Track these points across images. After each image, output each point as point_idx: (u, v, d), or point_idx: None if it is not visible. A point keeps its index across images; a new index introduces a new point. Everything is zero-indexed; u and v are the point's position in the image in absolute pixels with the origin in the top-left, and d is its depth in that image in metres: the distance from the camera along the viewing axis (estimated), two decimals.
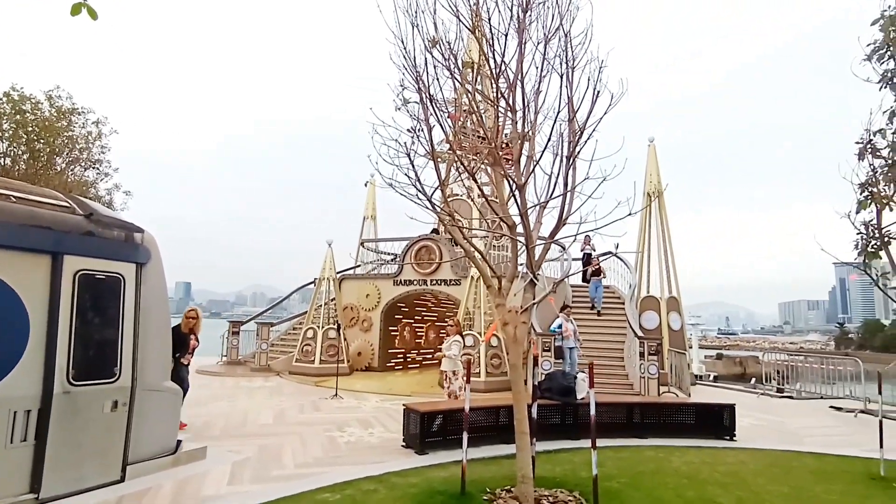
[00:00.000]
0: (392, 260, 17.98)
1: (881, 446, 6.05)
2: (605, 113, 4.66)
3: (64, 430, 4.68)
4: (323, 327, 14.25)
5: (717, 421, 8.14)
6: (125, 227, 5.59)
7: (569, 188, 5.00)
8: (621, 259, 16.44)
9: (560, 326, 11.50)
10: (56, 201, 5.26)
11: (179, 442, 5.93)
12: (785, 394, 13.68)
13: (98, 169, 15.49)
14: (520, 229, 5.41)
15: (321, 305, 14.85)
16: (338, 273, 16.04)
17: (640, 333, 11.97)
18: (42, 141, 13.76)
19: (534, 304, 5.32)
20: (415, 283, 15.13)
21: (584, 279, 16.72)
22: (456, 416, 7.07)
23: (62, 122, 14.55)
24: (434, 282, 14.86)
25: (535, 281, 5.28)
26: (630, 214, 4.56)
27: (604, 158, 4.68)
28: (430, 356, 17.77)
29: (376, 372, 14.92)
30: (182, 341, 7.30)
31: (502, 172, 5.03)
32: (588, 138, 4.75)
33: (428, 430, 6.78)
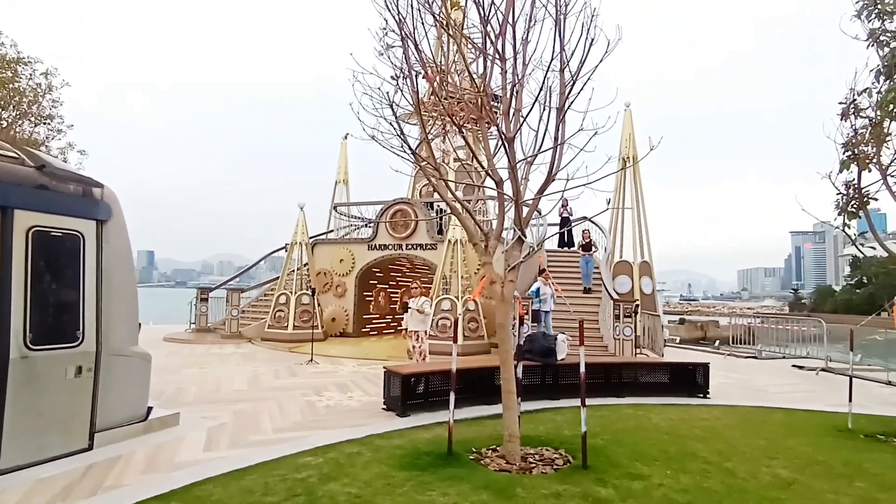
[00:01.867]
0: (366, 224, 17.63)
1: (850, 400, 6.27)
2: (601, 61, 4.44)
3: (23, 398, 4.37)
4: (296, 293, 13.93)
5: (691, 380, 8.34)
6: (82, 181, 5.16)
7: (559, 142, 4.82)
8: (595, 224, 16.53)
9: (538, 290, 11.52)
10: (2, 151, 4.78)
11: (150, 409, 5.68)
12: (749, 354, 14.24)
13: (49, 125, 14.28)
14: (507, 187, 5.23)
15: (293, 271, 14.48)
16: (310, 238, 15.63)
17: (615, 296, 12.11)
18: None
19: (521, 261, 5.19)
20: (390, 247, 14.88)
21: (561, 244, 16.78)
22: (437, 378, 7.00)
23: (6, 72, 13.34)
24: (410, 246, 14.63)
25: (524, 238, 5.14)
26: (623, 168, 4.42)
27: (598, 110, 4.50)
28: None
29: (351, 338, 14.76)
30: None
31: (489, 123, 4.78)
32: (582, 88, 4.55)
33: (409, 392, 6.69)
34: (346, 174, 20.32)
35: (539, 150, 4.92)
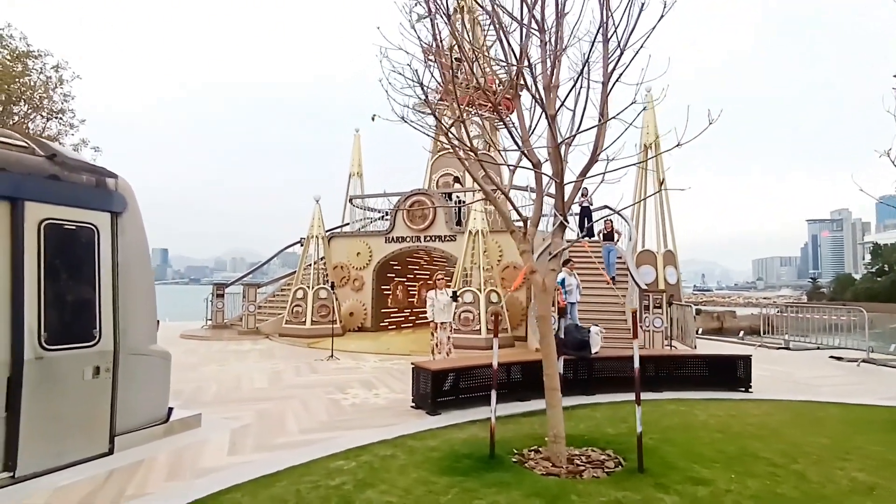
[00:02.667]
0: (381, 217, 17.31)
1: None
2: (653, 29, 4.03)
3: (39, 400, 4.11)
4: (313, 287, 13.67)
5: (731, 373, 7.92)
6: (95, 171, 4.87)
7: (605, 118, 4.42)
8: (618, 213, 16.07)
9: (563, 281, 11.13)
10: (11, 140, 4.50)
11: (171, 409, 5.41)
12: (780, 345, 13.73)
13: (61, 120, 14.07)
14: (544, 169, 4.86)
15: (310, 265, 14.22)
16: (326, 231, 15.35)
17: (643, 286, 11.69)
18: None
19: (563, 249, 4.82)
20: (408, 239, 14.55)
21: (582, 235, 16.35)
22: (468, 375, 6.68)
23: (16, 65, 13.10)
24: (428, 238, 14.29)
25: (566, 224, 4.76)
26: (678, 145, 4.02)
27: (651, 81, 4.10)
28: (425, 315, 17.40)
29: (369, 332, 14.49)
30: None
31: (538, 98, 4.39)
32: (632, 60, 4.14)
33: (439, 389, 6.37)
34: (360, 167, 20.04)
35: (579, 129, 4.54)
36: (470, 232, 12.30)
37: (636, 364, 4.46)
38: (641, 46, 4.04)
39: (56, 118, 13.80)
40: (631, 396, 7.22)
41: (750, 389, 7.67)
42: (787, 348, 13.29)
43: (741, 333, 19.92)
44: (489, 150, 18.41)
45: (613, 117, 4.15)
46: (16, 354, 3.99)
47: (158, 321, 5.63)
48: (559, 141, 4.29)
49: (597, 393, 7.32)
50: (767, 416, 6.16)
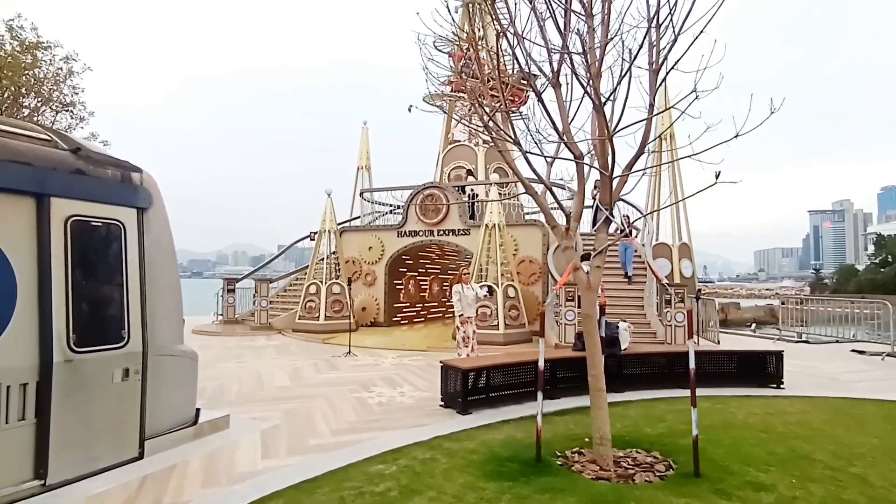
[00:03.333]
0: (391, 211, 17.13)
1: None
2: (717, 12, 3.81)
3: (69, 405, 3.95)
4: (326, 282, 13.51)
5: (762, 369, 7.76)
6: (120, 165, 4.69)
7: (655, 111, 4.22)
8: (632, 206, 15.85)
9: None
10: (34, 133, 4.32)
11: (198, 411, 5.26)
12: (798, 339, 13.57)
13: (72, 113, 13.84)
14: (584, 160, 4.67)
15: (322, 259, 14.05)
16: (337, 225, 15.17)
17: (664, 281, 11.52)
18: (5, 78, 12.14)
19: (608, 244, 4.63)
20: (420, 233, 14.37)
21: (594, 227, 16.17)
22: (499, 373, 6.52)
23: (26, 56, 12.86)
24: (441, 232, 14.11)
25: (611, 218, 4.58)
26: (737, 136, 3.82)
27: (710, 68, 3.88)
28: (437, 310, 17.26)
29: (382, 327, 14.35)
30: None
31: (590, 85, 4.18)
32: (690, 46, 3.93)
33: (469, 388, 6.21)
34: (369, 160, 19.79)
35: (620, 119, 4.33)
36: (486, 226, 12.10)
37: (692, 365, 4.30)
38: (702, 31, 3.81)
39: (66, 111, 13.59)
40: (661, 394, 7.16)
41: (782, 385, 7.51)
42: (807, 342, 13.14)
43: (752, 326, 19.79)
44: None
45: (671, 107, 3.93)
46: (44, 358, 3.83)
47: (184, 320, 5.47)
48: (610, 132, 4.07)
49: (626, 390, 7.16)
50: (806, 413, 6.00)
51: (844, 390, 7.44)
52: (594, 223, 15.99)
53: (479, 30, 17.86)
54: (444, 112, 17.93)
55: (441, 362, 6.54)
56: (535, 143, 5.03)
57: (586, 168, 4.65)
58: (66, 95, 13.60)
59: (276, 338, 12.81)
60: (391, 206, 17.10)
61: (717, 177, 3.94)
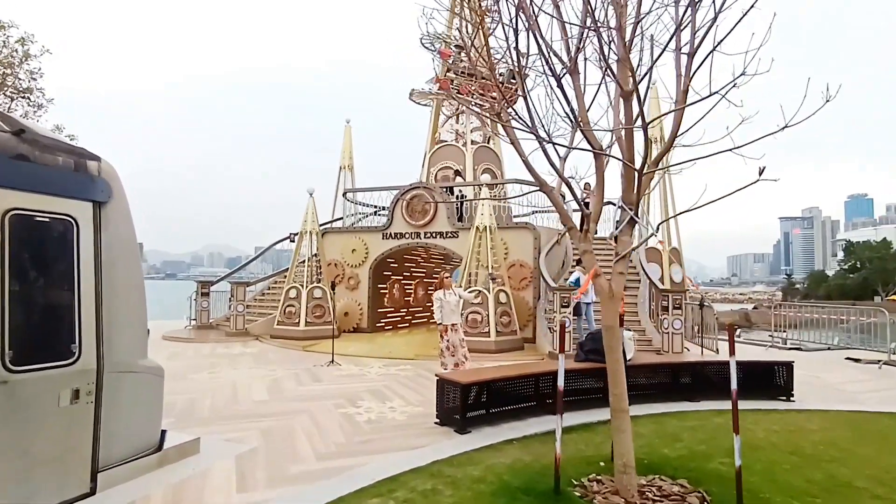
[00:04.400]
0: (376, 212, 16.52)
1: None
2: None
3: (3, 434, 3.30)
4: (307, 286, 12.83)
5: (769, 380, 7.42)
6: (74, 151, 4.04)
7: (686, 101, 3.76)
8: (623, 208, 15.55)
9: (578, 281, 10.55)
10: None
11: (164, 433, 4.61)
12: (790, 345, 13.40)
13: (29, 99, 12.79)
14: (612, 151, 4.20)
15: (303, 262, 13.36)
16: (320, 226, 14.50)
17: (659, 286, 11.19)
18: None
19: (635, 248, 4.16)
20: (406, 235, 13.79)
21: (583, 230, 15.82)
22: (499, 386, 6.01)
23: None
24: (428, 234, 13.56)
25: (636, 219, 4.11)
26: (786, 127, 3.39)
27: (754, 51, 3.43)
28: (422, 315, 16.70)
29: (365, 333, 13.73)
30: None
31: (611, 73, 3.71)
32: (736, 24, 3.47)
33: (468, 404, 5.68)
34: (351, 159, 19.10)
35: (644, 107, 3.87)
36: (476, 228, 11.60)
37: (734, 385, 3.85)
38: (752, 6, 3.35)
39: (22, 97, 12.51)
40: (668, 408, 6.72)
41: (792, 398, 7.16)
42: (799, 349, 12.96)
43: (738, 332, 19.69)
44: (488, 143, 17.77)
45: (721, 95, 3.44)
46: None
47: (148, 329, 4.81)
48: (645, 120, 3.59)
49: (631, 404, 6.65)
50: (828, 431, 5.63)
51: (856, 403, 7.13)
52: (581, 226, 15.60)
53: (473, 27, 17.45)
54: (453, 108, 17.35)
55: (437, 376, 6.00)
56: (547, 135, 4.54)
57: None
58: (21, 81, 12.54)
59: (252, 344, 12.08)
60: (375, 207, 16.50)
61: (760, 173, 3.50)
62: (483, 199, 11.80)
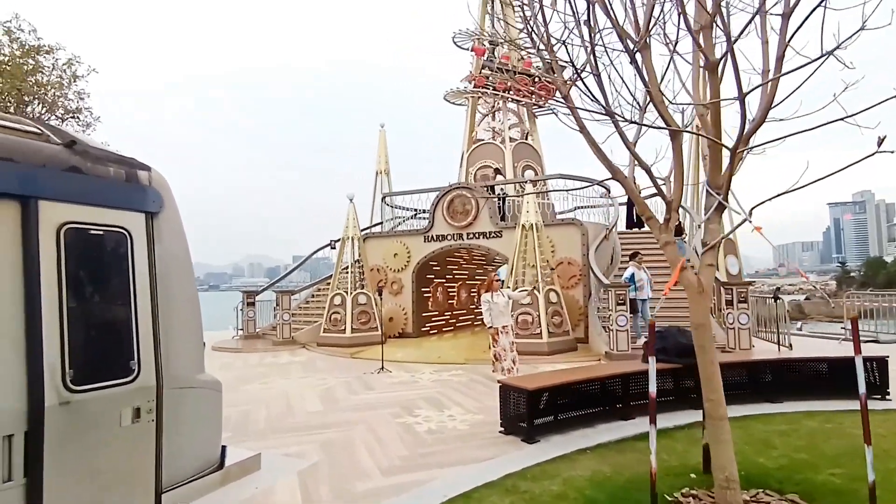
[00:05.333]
0: (414, 216, 16.34)
1: None
2: None
3: (67, 458, 3.16)
4: (352, 293, 12.71)
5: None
6: (125, 162, 3.92)
7: (780, 71, 3.32)
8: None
9: (633, 276, 10.05)
10: (20, 126, 3.56)
11: (224, 449, 4.45)
12: (868, 338, 12.46)
13: (78, 119, 13.15)
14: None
15: (346, 268, 13.27)
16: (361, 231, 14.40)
17: (720, 278, 10.55)
18: (6, 83, 11.51)
19: (725, 237, 3.75)
20: (448, 237, 13.52)
21: (630, 224, 15.19)
22: (569, 391, 5.65)
23: (27, 61, 12.23)
24: (471, 235, 13.25)
25: (725, 204, 3.69)
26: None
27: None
28: (465, 318, 16.42)
29: (411, 338, 13.52)
30: None
31: (698, 42, 3.32)
32: None
33: (536, 411, 5.34)
34: (387, 164, 19.02)
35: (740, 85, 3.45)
36: (522, 226, 11.22)
37: (862, 389, 3.37)
38: None
39: (72, 117, 12.94)
40: (748, 410, 6.19)
41: (888, 397, 6.52)
42: (876, 340, 12.03)
43: (799, 325, 18.54)
44: (527, 139, 17.36)
45: (818, 59, 3.00)
46: (34, 401, 3.04)
47: (204, 342, 4.68)
48: (743, 91, 3.18)
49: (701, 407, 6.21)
50: None
51: None
52: (628, 219, 14.92)
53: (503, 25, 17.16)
54: (493, 107, 17.04)
55: (500, 382, 5.68)
56: (621, 116, 4.16)
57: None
58: (71, 101, 12.95)
59: (300, 353, 12.03)
60: (414, 210, 16.32)
61: (879, 144, 3.04)
62: (530, 193, 11.39)
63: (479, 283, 18.07)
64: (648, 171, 3.80)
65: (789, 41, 3.27)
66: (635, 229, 14.93)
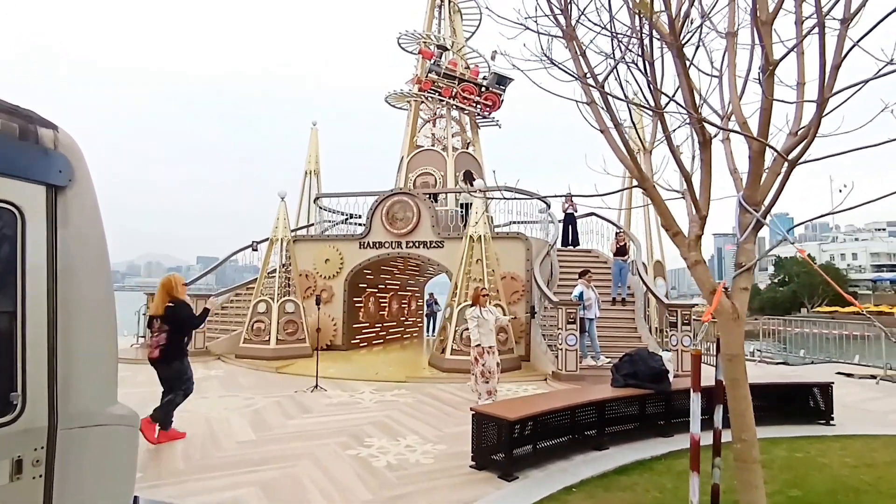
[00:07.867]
0: (345, 220, 15.36)
1: None
2: None
3: None
4: (279, 300, 11.49)
5: (804, 403, 6.91)
6: (18, 113, 2.85)
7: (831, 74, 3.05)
8: (607, 220, 15.15)
9: (581, 295, 9.86)
10: None
11: (136, 499, 3.40)
12: (778, 360, 13.34)
13: None
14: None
15: (272, 272, 12.02)
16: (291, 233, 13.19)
17: (664, 300, 10.70)
18: None
19: (762, 257, 3.41)
20: (386, 245, 12.72)
21: (565, 242, 15.24)
22: (550, 420, 5.13)
23: None
24: (410, 244, 12.55)
25: (763, 222, 3.34)
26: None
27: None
28: (395, 330, 15.63)
29: (340, 351, 12.51)
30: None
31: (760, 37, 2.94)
32: None
33: (515, 444, 4.75)
34: (318, 164, 17.87)
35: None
36: (470, 237, 10.72)
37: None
38: None
39: None
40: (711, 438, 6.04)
41: (832, 422, 6.68)
42: (786, 363, 12.87)
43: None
44: (468, 149, 17.02)
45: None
46: None
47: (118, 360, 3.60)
48: (812, 98, 2.83)
49: (675, 433, 5.99)
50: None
51: (890, 426, 6.73)
52: (563, 238, 14.88)
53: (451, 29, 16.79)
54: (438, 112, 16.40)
55: (473, 410, 5.04)
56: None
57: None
58: None
59: (216, 366, 10.60)
60: (346, 214, 15.34)
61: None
62: (478, 197, 10.90)
63: (409, 294, 17.38)
64: (689, 182, 3.37)
65: (850, 49, 2.99)
66: (570, 248, 15.01)
